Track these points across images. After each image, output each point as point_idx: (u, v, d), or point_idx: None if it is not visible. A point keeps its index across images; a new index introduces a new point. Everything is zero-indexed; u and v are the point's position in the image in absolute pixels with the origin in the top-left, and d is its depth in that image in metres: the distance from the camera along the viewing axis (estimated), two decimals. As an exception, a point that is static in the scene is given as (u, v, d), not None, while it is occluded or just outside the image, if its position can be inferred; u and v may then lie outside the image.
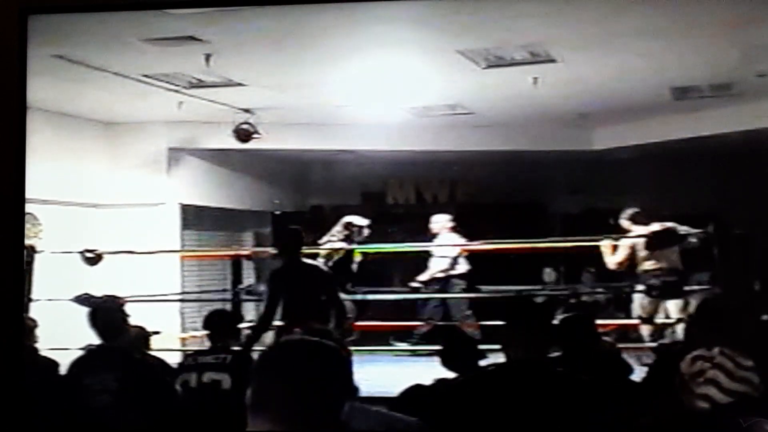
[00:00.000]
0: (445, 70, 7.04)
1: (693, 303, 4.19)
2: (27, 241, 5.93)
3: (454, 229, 8.50)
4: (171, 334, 7.83)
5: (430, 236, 8.49)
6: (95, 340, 4.79)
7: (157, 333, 5.65)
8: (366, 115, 8.37)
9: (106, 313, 4.92)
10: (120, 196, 8.95)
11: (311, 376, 2.08)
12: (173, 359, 5.78)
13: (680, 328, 6.45)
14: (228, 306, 8.74)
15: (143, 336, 5.35)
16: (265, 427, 2.05)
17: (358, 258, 8.26)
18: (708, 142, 8.44)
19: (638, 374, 4.34)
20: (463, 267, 8.41)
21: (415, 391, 4.30)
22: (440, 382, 4.36)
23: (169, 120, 8.79)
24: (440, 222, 8.55)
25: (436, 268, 8.42)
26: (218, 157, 9.53)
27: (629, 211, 7.57)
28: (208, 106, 8.03)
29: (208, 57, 6.46)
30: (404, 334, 8.25)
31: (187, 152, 9.35)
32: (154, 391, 4.55)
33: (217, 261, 9.82)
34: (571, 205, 10.33)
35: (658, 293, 7.10)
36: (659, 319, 7.20)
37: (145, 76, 7.13)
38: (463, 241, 8.40)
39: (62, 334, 5.21)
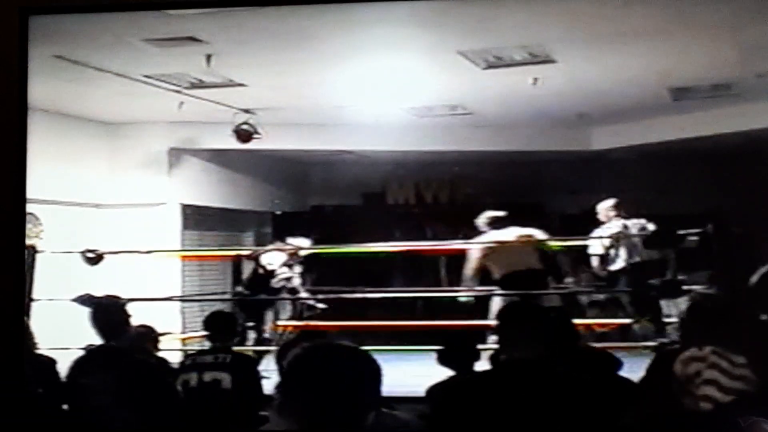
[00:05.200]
0: (445, 71, 7.05)
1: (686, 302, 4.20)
2: (28, 241, 5.94)
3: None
4: (173, 334, 7.86)
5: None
6: (96, 340, 4.81)
7: (166, 333, 5.66)
8: (366, 116, 8.37)
9: (107, 313, 4.94)
10: (121, 196, 8.96)
11: (345, 380, 2.08)
12: (174, 359, 5.80)
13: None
14: (227, 307, 8.74)
15: (151, 336, 5.36)
16: (292, 427, 2.05)
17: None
18: (707, 143, 8.45)
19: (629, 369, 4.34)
20: None
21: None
22: (440, 383, 4.39)
23: (169, 120, 8.79)
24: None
25: None
26: (219, 157, 9.54)
27: None
28: (208, 107, 8.04)
29: (208, 57, 6.48)
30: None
31: (188, 152, 9.37)
32: (155, 391, 4.56)
33: (218, 261, 9.85)
34: (570, 205, 10.33)
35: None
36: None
37: (146, 76, 7.14)
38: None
39: (63, 334, 5.22)
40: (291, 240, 8.61)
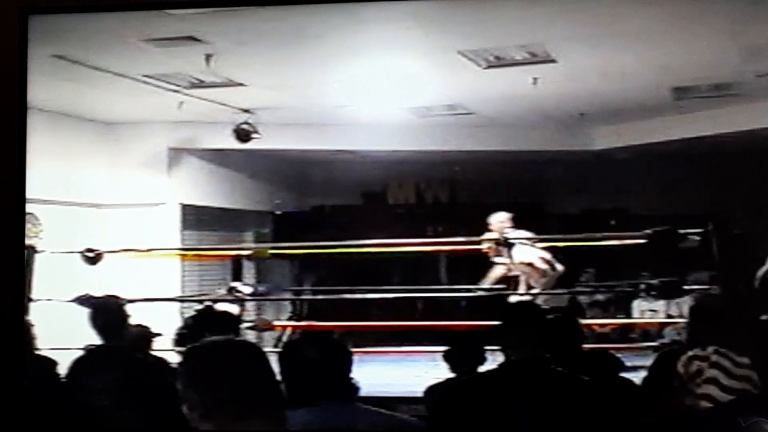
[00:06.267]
0: (445, 71, 7.05)
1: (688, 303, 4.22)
2: (27, 241, 5.93)
3: None
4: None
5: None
6: (96, 340, 4.80)
7: (159, 335, 5.65)
8: (366, 115, 8.37)
9: (106, 313, 4.93)
10: (120, 196, 8.96)
11: (253, 374, 2.08)
12: (173, 359, 5.78)
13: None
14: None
15: (146, 336, 5.35)
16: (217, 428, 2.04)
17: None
18: (708, 142, 8.45)
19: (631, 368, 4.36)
20: None
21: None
22: (442, 384, 4.39)
23: (169, 120, 8.79)
24: None
25: None
26: (218, 157, 9.54)
27: None
28: (208, 106, 8.04)
29: (208, 57, 6.46)
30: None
31: (188, 152, 9.36)
32: (154, 391, 4.55)
33: (218, 261, 9.84)
34: (571, 205, 10.34)
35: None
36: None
37: (146, 76, 7.14)
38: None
39: (62, 334, 5.21)
40: (240, 287, 8.61)
